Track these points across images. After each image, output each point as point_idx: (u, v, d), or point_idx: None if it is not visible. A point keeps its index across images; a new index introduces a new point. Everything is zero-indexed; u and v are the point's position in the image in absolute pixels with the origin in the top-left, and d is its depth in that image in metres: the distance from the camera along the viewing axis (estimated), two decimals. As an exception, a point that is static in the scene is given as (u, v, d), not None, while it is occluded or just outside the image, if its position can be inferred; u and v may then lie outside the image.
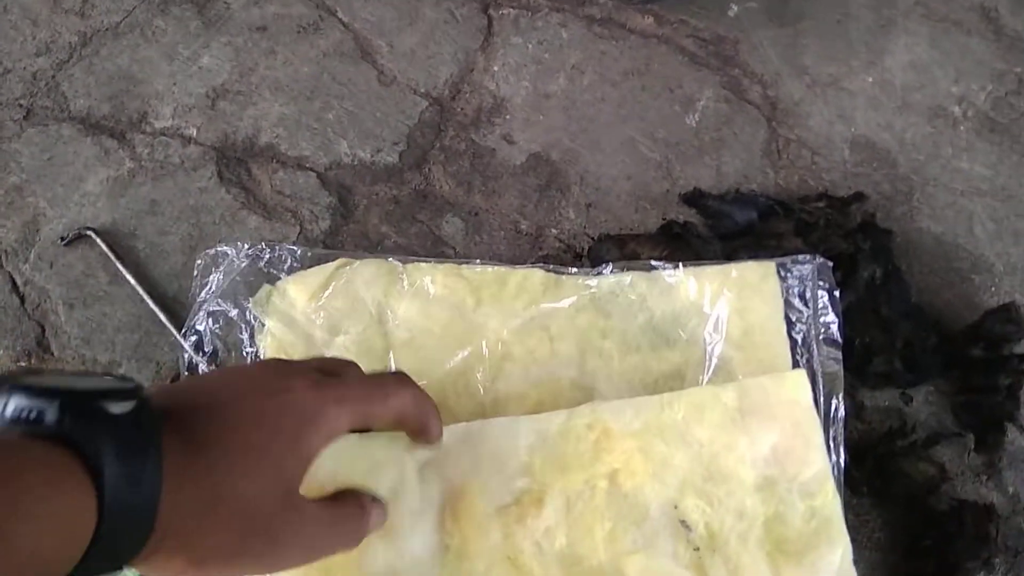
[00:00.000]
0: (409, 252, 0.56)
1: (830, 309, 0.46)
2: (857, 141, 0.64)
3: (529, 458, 0.42)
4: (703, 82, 0.66)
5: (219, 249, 0.52)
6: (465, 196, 0.59)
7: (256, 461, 0.29)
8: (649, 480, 0.42)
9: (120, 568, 0.25)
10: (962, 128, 0.66)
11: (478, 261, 0.53)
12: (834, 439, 0.45)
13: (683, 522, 0.41)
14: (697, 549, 0.41)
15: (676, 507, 0.41)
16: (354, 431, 0.34)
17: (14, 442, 0.23)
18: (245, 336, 0.50)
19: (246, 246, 0.52)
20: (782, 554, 0.41)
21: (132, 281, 0.53)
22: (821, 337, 0.46)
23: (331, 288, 0.50)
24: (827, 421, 0.45)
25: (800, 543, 0.41)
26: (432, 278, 0.50)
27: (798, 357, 0.46)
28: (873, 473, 0.48)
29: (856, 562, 0.43)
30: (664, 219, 0.58)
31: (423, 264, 0.51)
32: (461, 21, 0.67)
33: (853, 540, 0.45)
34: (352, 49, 0.65)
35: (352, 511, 0.35)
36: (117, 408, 0.25)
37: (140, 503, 0.25)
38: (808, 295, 0.47)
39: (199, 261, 0.52)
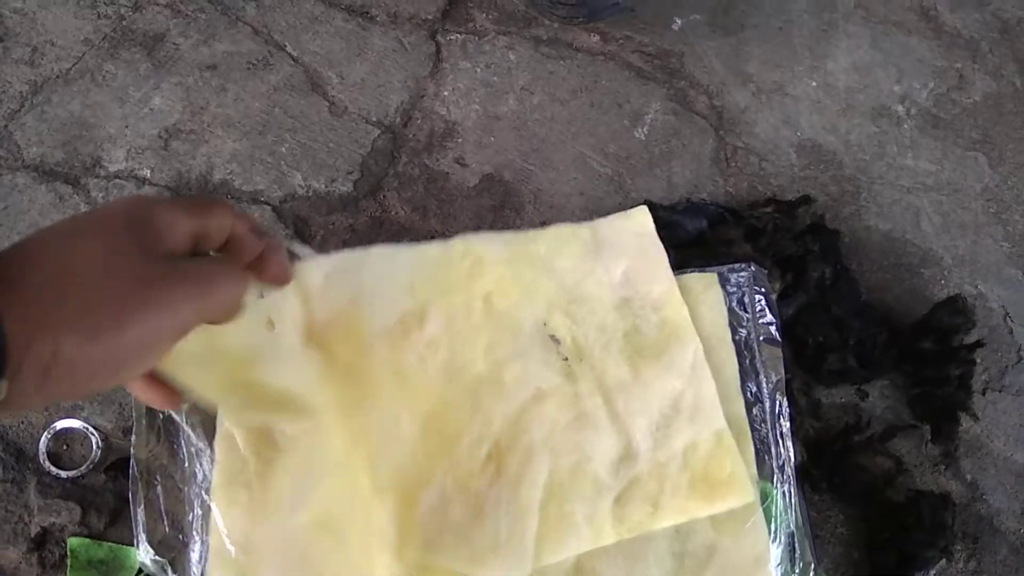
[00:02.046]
0: (367, 280, 0.56)
1: (768, 312, 0.48)
2: (803, 145, 0.65)
3: (409, 282, 0.45)
4: (650, 96, 0.67)
5: None
6: (421, 221, 0.60)
7: (101, 240, 0.26)
8: (520, 301, 0.46)
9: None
10: (906, 126, 0.67)
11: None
12: (780, 434, 0.46)
13: (552, 337, 0.46)
14: (566, 359, 0.45)
15: (545, 324, 0.46)
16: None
17: None
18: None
19: None
20: (641, 358, 0.46)
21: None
22: (762, 338, 0.47)
23: None
24: (772, 417, 0.45)
25: (656, 348, 0.46)
26: None
27: (742, 358, 0.47)
28: (832, 469, 0.48)
29: (820, 559, 0.44)
30: (617, 232, 0.59)
31: None
32: (410, 49, 0.68)
33: (816, 536, 0.45)
34: (302, 82, 0.66)
35: (224, 267, 0.31)
36: None
37: None
38: (747, 300, 0.48)
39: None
